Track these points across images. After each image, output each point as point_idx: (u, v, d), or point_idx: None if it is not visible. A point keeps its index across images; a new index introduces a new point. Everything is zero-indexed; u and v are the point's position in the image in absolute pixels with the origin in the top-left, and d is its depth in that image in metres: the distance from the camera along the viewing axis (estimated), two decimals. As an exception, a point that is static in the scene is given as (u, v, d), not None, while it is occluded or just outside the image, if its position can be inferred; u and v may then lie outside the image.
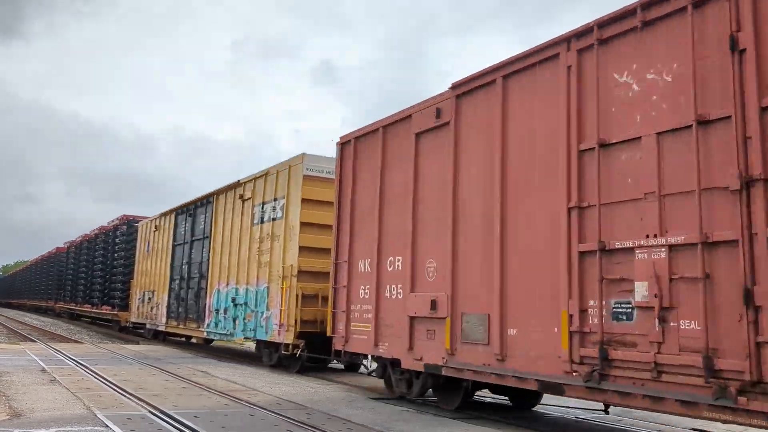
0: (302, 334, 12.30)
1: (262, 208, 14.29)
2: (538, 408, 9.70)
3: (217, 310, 16.05)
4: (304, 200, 12.75)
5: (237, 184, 15.79)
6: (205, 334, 16.68)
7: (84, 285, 34.54)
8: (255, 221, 14.61)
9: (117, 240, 28.48)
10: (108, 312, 27.62)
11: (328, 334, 10.87)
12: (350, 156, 10.92)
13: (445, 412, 8.83)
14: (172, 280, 19.79)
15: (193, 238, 18.43)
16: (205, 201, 17.82)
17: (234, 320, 14.94)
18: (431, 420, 8.12)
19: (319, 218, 12.82)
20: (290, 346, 12.37)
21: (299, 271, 12.51)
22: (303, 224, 12.69)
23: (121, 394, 9.12)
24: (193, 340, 22.37)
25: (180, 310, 18.71)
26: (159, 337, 22.16)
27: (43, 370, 11.57)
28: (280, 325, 12.72)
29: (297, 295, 12.38)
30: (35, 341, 20.70)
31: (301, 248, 12.61)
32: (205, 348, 22.46)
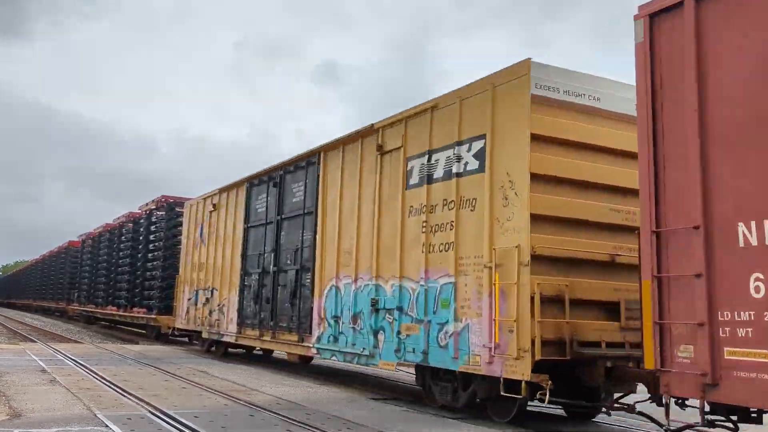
0: (539, 364, 7.17)
1: (429, 159, 9.14)
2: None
3: (336, 318, 10.91)
4: (535, 138, 7.61)
5: (369, 131, 10.64)
6: (313, 350, 11.52)
7: (105, 284, 29.44)
8: (412, 182, 9.47)
9: (152, 228, 23.34)
10: (142, 315, 22.48)
11: (651, 365, 5.78)
12: (686, 27, 5.83)
13: (445, 412, 8.54)
14: (246, 274, 14.65)
15: (283, 216, 13.28)
16: (305, 162, 12.66)
17: (376, 334, 9.81)
18: (432, 420, 8.02)
19: (564, 169, 7.75)
20: (522, 385, 7.22)
21: (533, 256, 7.36)
22: (536, 178, 7.55)
23: (121, 394, 9.04)
24: (258, 351, 17.27)
25: (263, 315, 13.56)
26: (219, 349, 17.02)
27: (43, 371, 11.46)
28: (493, 348, 7.56)
29: (532, 297, 7.24)
30: (35, 341, 20.05)
31: (535, 218, 7.47)
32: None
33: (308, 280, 12.01)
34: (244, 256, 14.86)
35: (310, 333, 11.64)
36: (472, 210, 8.25)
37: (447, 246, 8.56)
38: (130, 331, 26.39)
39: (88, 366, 12.44)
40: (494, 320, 7.58)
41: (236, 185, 15.88)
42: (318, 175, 12.09)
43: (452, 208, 8.57)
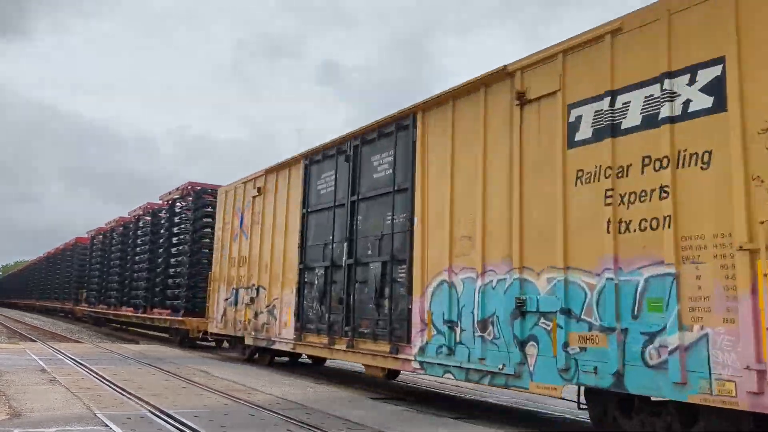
0: None
1: (611, 103, 6.55)
2: (537, 407, 9.26)
3: (450, 323, 8.31)
4: None
5: (499, 75, 8.04)
6: (415, 365, 8.90)
7: (119, 282, 26.83)
8: (579, 136, 6.88)
9: (176, 219, 20.73)
10: (166, 317, 19.86)
11: None
12: None
13: (446, 412, 8.56)
14: (306, 269, 12.06)
15: (360, 197, 10.69)
16: (393, 127, 10.05)
17: (523, 346, 7.21)
18: (432, 420, 7.95)
19: None
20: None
21: None
22: None
23: (121, 393, 9.00)
24: (305, 359, 14.73)
25: (333, 318, 10.96)
26: (264, 357, 14.44)
27: (43, 370, 11.47)
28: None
29: None
30: (35, 341, 19.72)
31: None
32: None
33: (402, 275, 9.42)
34: (302, 247, 12.28)
35: (409, 342, 9.05)
36: (704, 168, 5.66)
37: (656, 222, 5.97)
38: (151, 336, 23.81)
39: (87, 365, 12.35)
40: (765, 329, 4.99)
41: (288, 164, 13.30)
42: (413, 142, 9.51)
43: (663, 168, 5.97)
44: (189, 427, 6.72)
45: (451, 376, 8.28)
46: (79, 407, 7.70)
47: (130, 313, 24.25)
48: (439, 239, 8.74)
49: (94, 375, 11.05)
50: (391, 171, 10.00)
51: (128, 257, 25.87)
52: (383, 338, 9.60)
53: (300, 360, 15.38)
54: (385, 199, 10.05)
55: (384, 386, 11.57)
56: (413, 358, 8.89)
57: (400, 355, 9.20)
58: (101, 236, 32.42)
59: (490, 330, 7.69)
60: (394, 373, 10.61)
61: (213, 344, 19.38)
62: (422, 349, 8.77)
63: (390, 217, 9.83)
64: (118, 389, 9.38)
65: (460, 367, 8.06)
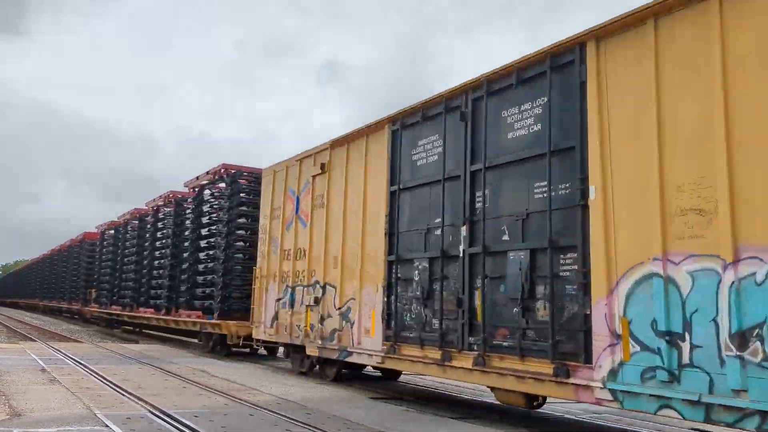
0: None
1: None
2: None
3: (670, 336, 5.70)
4: None
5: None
6: (604, 393, 6.27)
7: (135, 281, 24.21)
8: None
9: (205, 209, 18.08)
10: (196, 320, 17.20)
11: None
12: None
13: (446, 412, 8.46)
14: (398, 261, 9.45)
15: (487, 165, 8.05)
16: (545, 66, 7.38)
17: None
18: (432, 420, 7.88)
19: None
20: None
21: None
22: None
23: (121, 393, 8.93)
24: (371, 371, 12.25)
25: (446, 326, 8.34)
26: (329, 371, 11.82)
27: (43, 370, 11.37)
28: None
29: None
30: (35, 341, 19.50)
31: None
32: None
33: (569, 267, 6.81)
34: (391, 234, 9.69)
35: (588, 361, 6.44)
36: None
37: None
38: (173, 340, 21.21)
39: (87, 365, 12.27)
40: None
41: (364, 132, 10.70)
42: (582, 83, 6.90)
43: None
44: (189, 427, 6.65)
45: (675, 414, 5.67)
46: (79, 407, 7.65)
47: (150, 315, 21.62)
48: (637, 215, 6.14)
49: (94, 375, 10.94)
50: (539, 127, 7.39)
51: (146, 253, 23.23)
52: (538, 355, 6.99)
53: (363, 372, 12.86)
54: (530, 165, 7.44)
55: (384, 386, 11.39)
56: (600, 385, 6.27)
57: (571, 380, 6.58)
58: (113, 231, 29.83)
59: (757, 347, 5.09)
60: (533, 400, 7.93)
61: (247, 351, 16.86)
62: (614, 372, 6.17)
63: (542, 189, 7.22)
64: (118, 389, 9.29)
65: (696, 401, 5.45)
